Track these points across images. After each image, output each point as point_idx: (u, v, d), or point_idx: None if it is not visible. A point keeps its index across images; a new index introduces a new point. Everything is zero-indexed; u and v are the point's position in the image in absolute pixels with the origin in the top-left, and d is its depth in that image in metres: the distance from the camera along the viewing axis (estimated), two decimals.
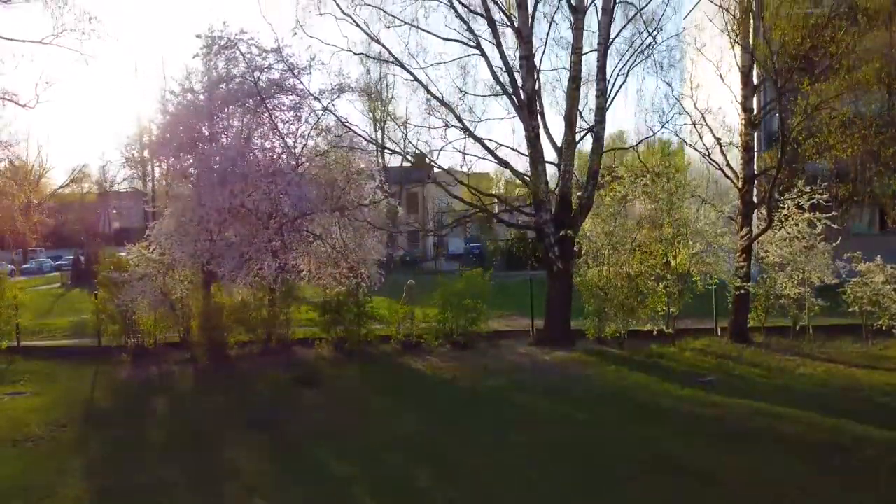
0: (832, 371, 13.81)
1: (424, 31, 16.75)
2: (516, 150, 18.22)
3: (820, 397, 11.77)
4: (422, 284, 19.03)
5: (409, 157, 18.81)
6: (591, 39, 17.40)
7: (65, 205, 68.33)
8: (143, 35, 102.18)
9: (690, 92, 17.76)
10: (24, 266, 58.32)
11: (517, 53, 16.42)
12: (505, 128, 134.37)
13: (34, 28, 49.89)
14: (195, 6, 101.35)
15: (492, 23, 16.16)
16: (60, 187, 71.05)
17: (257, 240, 15.67)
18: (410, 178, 46.70)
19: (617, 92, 17.11)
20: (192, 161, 15.61)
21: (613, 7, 15.84)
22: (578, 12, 16.54)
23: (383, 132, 53.73)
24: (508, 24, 16.28)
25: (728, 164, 17.05)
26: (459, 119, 16.44)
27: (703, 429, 10.18)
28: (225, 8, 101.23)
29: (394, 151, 20.46)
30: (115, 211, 69.84)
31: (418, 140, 16.92)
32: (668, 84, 16.73)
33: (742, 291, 16.11)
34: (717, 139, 16.41)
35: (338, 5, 16.26)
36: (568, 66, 16.75)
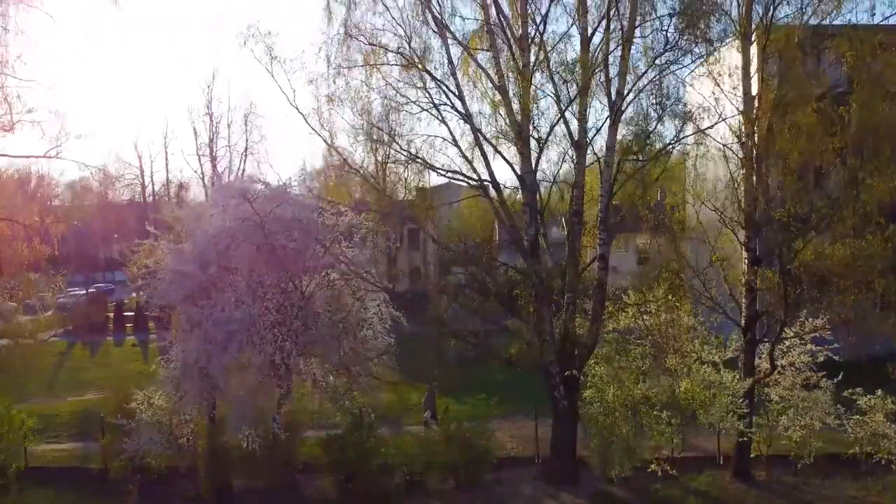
0: None
1: (430, 166, 16.72)
2: (521, 271, 18.31)
3: None
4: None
5: None
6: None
7: (66, 222, 67.43)
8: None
9: (692, 201, 17.93)
10: (26, 301, 57.85)
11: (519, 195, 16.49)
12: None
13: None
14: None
15: (496, 186, 16.22)
16: (70, 207, 70.44)
17: (262, 388, 15.77)
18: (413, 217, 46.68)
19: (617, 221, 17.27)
20: (198, 311, 15.62)
21: (618, 170, 15.84)
22: (581, 149, 16.59)
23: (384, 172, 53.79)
24: (511, 170, 16.31)
25: (731, 295, 17.22)
26: (466, 266, 16.55)
27: None
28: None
29: (398, 295, 20.04)
30: (115, 235, 69.74)
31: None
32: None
33: (745, 439, 16.21)
34: (727, 282, 16.52)
35: (345, 161, 16.28)
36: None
